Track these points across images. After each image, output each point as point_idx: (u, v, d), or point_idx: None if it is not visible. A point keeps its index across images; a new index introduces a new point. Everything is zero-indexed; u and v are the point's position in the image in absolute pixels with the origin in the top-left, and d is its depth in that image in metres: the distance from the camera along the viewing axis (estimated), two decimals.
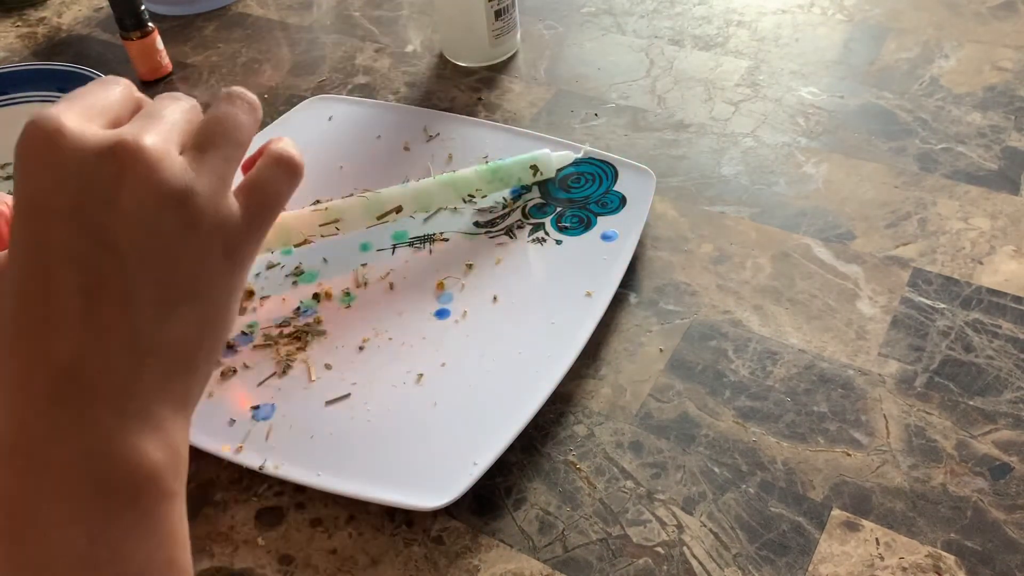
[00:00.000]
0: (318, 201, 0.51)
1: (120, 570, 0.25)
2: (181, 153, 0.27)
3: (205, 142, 0.28)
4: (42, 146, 0.25)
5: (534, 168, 0.56)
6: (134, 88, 0.29)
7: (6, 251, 0.27)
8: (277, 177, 0.29)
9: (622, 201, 0.56)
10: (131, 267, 0.25)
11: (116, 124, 0.27)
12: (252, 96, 0.29)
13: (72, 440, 0.25)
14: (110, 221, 0.25)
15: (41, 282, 0.25)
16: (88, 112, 0.26)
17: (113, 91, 0.28)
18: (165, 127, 0.27)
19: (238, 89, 0.30)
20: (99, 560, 0.24)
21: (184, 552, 0.27)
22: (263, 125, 0.67)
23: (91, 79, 0.65)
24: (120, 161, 0.25)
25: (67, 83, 0.66)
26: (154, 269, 0.26)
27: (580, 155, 0.58)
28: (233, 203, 0.28)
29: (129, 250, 0.25)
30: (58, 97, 0.67)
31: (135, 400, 0.26)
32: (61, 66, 0.67)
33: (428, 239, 0.55)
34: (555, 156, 0.57)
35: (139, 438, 0.25)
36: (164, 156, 0.26)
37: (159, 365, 0.26)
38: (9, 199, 0.46)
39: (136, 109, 0.28)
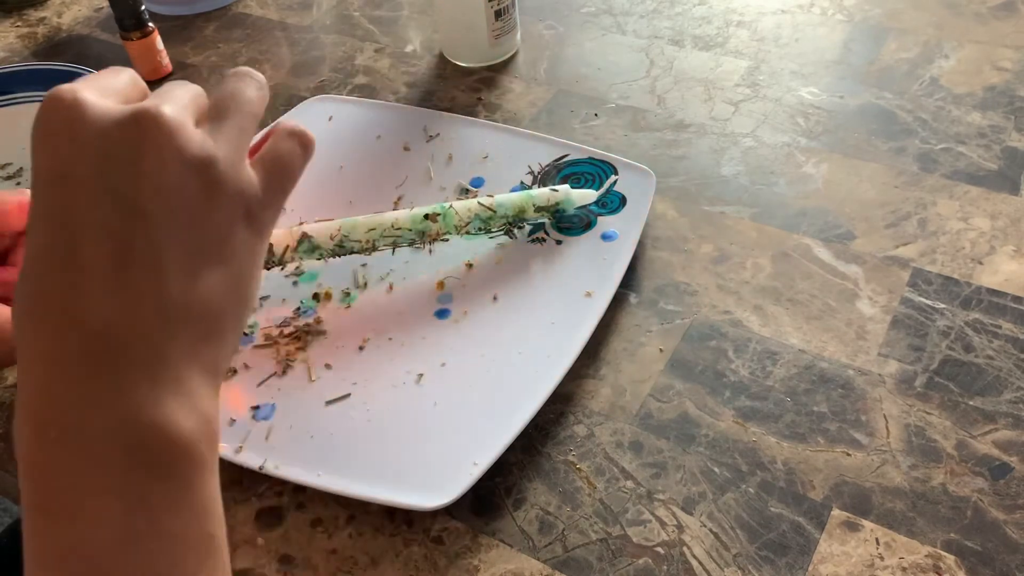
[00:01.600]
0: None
1: (158, 544, 0.25)
2: (197, 126, 0.28)
3: (219, 115, 0.28)
4: (63, 117, 0.26)
5: (555, 205, 0.54)
6: (139, 77, 0.30)
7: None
8: (292, 148, 0.30)
9: (622, 201, 0.56)
10: (159, 231, 0.26)
11: (128, 103, 0.28)
12: (259, 74, 0.31)
13: (106, 409, 0.24)
14: (135, 186, 0.25)
15: (69, 249, 0.25)
16: (103, 90, 0.27)
17: (122, 76, 0.29)
18: (180, 101, 0.28)
19: (245, 68, 0.31)
20: (137, 532, 0.24)
21: (220, 527, 0.27)
22: (263, 125, 0.67)
23: None
24: (142, 128, 0.25)
25: (67, 83, 0.66)
26: (181, 233, 0.26)
27: (602, 192, 0.57)
28: (251, 172, 0.29)
29: (156, 214, 0.25)
30: None
31: (167, 367, 0.26)
32: (61, 66, 0.67)
33: (428, 239, 0.55)
34: (576, 194, 0.55)
35: (172, 406, 0.25)
36: (184, 124, 0.26)
37: (189, 331, 0.26)
38: (13, 195, 0.47)
39: (143, 95, 0.29)
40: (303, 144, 0.31)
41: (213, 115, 0.28)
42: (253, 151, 0.30)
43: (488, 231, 0.54)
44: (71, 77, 0.66)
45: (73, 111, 0.26)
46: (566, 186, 0.55)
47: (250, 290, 0.29)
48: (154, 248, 0.26)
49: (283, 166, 0.30)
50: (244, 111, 0.29)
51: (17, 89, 0.67)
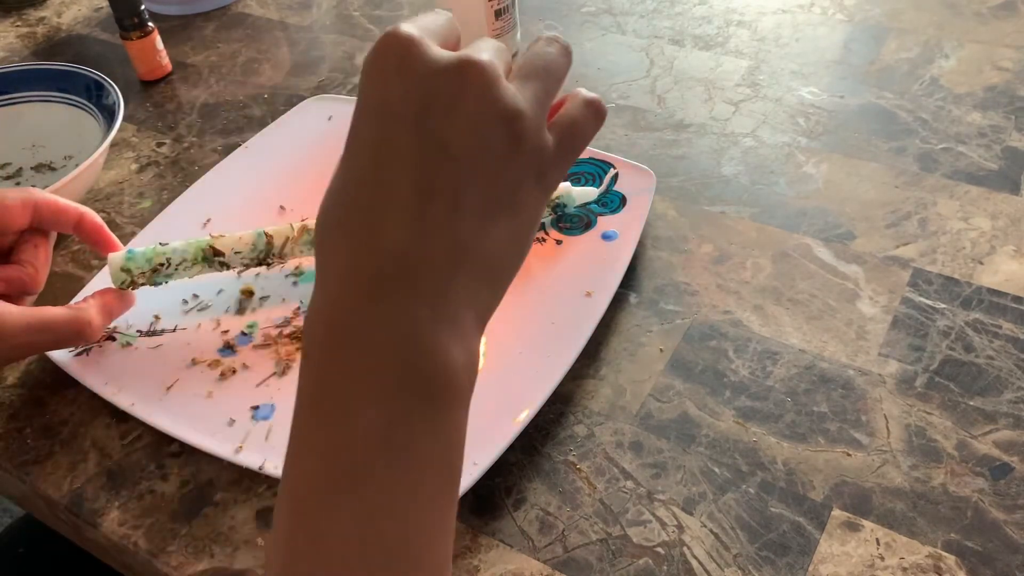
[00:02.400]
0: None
1: (409, 462, 0.26)
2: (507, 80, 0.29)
3: (529, 74, 0.30)
4: (397, 56, 0.28)
5: (556, 200, 0.55)
6: (455, 21, 0.32)
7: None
8: (587, 116, 0.32)
9: (622, 201, 0.56)
10: (463, 173, 0.28)
11: (455, 45, 0.30)
12: (565, 40, 0.32)
13: (388, 327, 0.26)
14: (450, 128, 0.27)
15: (381, 176, 0.27)
16: (432, 33, 0.29)
17: (442, 18, 0.31)
18: (497, 55, 0.29)
19: (554, 34, 0.33)
20: (394, 445, 0.26)
21: (460, 457, 0.28)
22: (263, 124, 0.67)
23: (91, 79, 0.65)
24: (465, 76, 0.27)
25: (67, 83, 0.66)
26: (481, 178, 0.28)
27: (602, 189, 0.57)
28: (548, 133, 0.30)
29: (463, 156, 0.27)
30: (58, 97, 0.67)
31: (448, 302, 0.27)
32: (61, 66, 0.67)
33: None
34: (576, 192, 0.55)
35: (447, 338, 0.27)
36: (501, 77, 0.28)
37: (472, 272, 0.28)
38: (16, 193, 0.47)
39: (458, 39, 0.31)
40: (598, 114, 0.32)
41: (522, 74, 0.30)
42: (550, 113, 0.32)
43: None
44: (71, 77, 0.66)
45: (408, 52, 0.27)
46: (567, 184, 0.55)
47: (528, 242, 0.31)
48: (456, 188, 0.27)
49: (577, 131, 0.31)
50: (551, 73, 0.31)
51: (17, 89, 0.67)
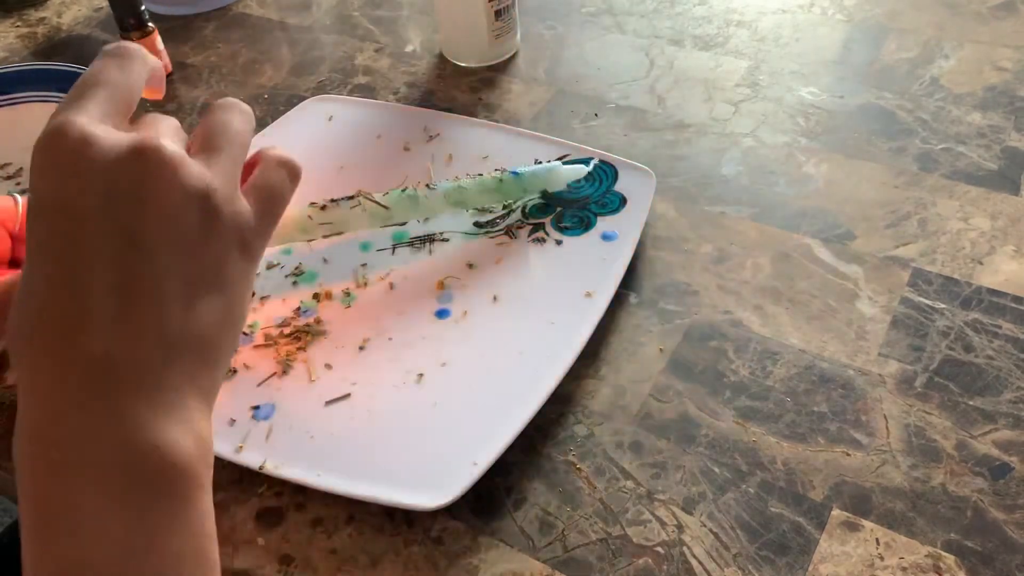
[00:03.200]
0: (314, 203, 0.51)
1: (155, 562, 0.25)
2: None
3: (211, 146, 0.29)
4: (68, 153, 0.26)
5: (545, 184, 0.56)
6: (129, 63, 0.30)
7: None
8: (281, 178, 0.31)
9: (622, 201, 0.56)
10: (160, 263, 0.26)
11: (128, 110, 0.29)
12: (245, 104, 0.31)
13: (106, 432, 0.25)
14: (139, 220, 0.26)
15: (72, 279, 0.26)
16: (103, 111, 0.28)
17: (111, 88, 0.29)
18: (173, 134, 0.28)
19: (231, 99, 0.32)
20: (136, 550, 0.25)
21: (213, 544, 0.27)
22: (263, 125, 0.67)
23: None
24: (145, 162, 0.26)
25: (67, 83, 0.66)
26: (180, 263, 0.27)
27: (590, 168, 0.57)
28: (244, 202, 0.29)
29: (157, 246, 0.26)
30: (58, 97, 0.67)
31: (165, 392, 0.26)
32: (61, 66, 0.67)
33: (428, 239, 0.55)
34: (565, 170, 0.56)
35: (170, 429, 0.26)
36: (184, 157, 0.27)
37: (186, 357, 0.27)
38: None
39: (130, 107, 0.29)
40: (292, 173, 0.32)
41: (205, 146, 0.29)
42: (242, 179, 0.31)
43: (480, 208, 0.55)
44: (71, 77, 0.66)
45: (78, 148, 0.26)
46: (556, 162, 0.56)
47: (242, 314, 0.30)
48: (155, 279, 0.26)
49: (274, 195, 0.31)
50: (235, 143, 0.30)
51: (17, 89, 0.67)
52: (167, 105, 0.71)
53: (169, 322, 0.27)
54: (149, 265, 0.26)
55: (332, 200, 0.52)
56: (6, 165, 0.66)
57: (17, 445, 0.26)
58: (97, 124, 0.27)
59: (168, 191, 0.26)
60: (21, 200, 0.49)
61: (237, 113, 0.31)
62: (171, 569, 0.25)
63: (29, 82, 0.67)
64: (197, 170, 0.27)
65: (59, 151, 0.26)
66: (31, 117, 0.67)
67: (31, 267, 0.26)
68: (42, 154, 0.26)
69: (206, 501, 0.27)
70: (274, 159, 0.31)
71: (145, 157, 0.26)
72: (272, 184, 0.31)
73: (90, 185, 0.26)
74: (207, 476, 0.27)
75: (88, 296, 0.26)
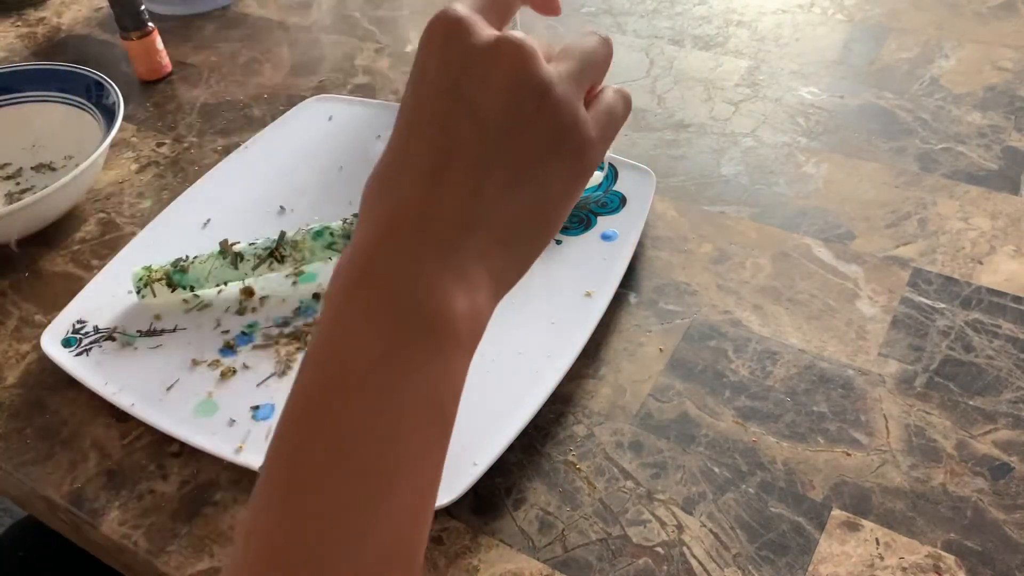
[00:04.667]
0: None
1: (399, 397, 0.28)
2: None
3: (566, 56, 0.32)
4: (443, 34, 0.30)
5: None
6: None
7: None
8: (619, 102, 0.33)
9: (622, 201, 0.56)
10: (490, 137, 0.29)
11: (506, 16, 0.33)
12: (606, 34, 0.34)
13: (396, 268, 0.29)
14: (481, 94, 0.29)
15: (410, 136, 0.30)
16: (482, 5, 0.31)
17: None
18: (537, 39, 0.31)
19: (593, 29, 0.35)
20: (390, 372, 0.28)
21: (454, 406, 0.30)
22: (263, 125, 0.67)
23: (91, 79, 0.65)
24: (502, 51, 0.29)
25: (67, 83, 0.66)
26: (509, 145, 0.29)
27: (604, 171, 0.57)
28: (584, 111, 0.31)
29: (491, 120, 0.29)
30: (58, 97, 0.67)
31: (458, 255, 0.29)
32: (61, 66, 0.67)
33: None
34: None
35: (450, 286, 0.29)
36: (536, 53, 0.30)
37: (485, 231, 0.30)
38: None
39: (509, 9, 0.33)
40: (626, 102, 0.34)
41: (563, 56, 0.32)
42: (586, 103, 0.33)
43: None
44: (71, 77, 0.66)
45: (452, 28, 0.30)
46: None
47: (554, 218, 0.32)
48: (481, 151, 0.29)
49: (612, 116, 0.33)
50: (590, 60, 0.32)
51: (17, 89, 0.67)
52: (169, 105, 0.71)
53: (479, 191, 0.29)
54: (480, 136, 0.29)
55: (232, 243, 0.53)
56: (6, 165, 0.66)
57: (335, 267, 0.30)
58: (475, 16, 0.30)
59: (516, 76, 0.29)
60: None
61: (598, 39, 0.33)
62: (409, 405, 0.28)
63: (29, 82, 0.67)
64: (545, 67, 0.30)
65: (435, 32, 0.30)
66: (31, 117, 0.67)
67: (394, 128, 0.31)
68: (423, 34, 0.30)
69: (459, 367, 0.29)
70: (613, 88, 0.33)
71: (504, 46, 0.29)
72: (611, 105, 0.33)
73: (451, 62, 0.29)
74: (469, 344, 0.30)
75: (415, 153, 0.29)
